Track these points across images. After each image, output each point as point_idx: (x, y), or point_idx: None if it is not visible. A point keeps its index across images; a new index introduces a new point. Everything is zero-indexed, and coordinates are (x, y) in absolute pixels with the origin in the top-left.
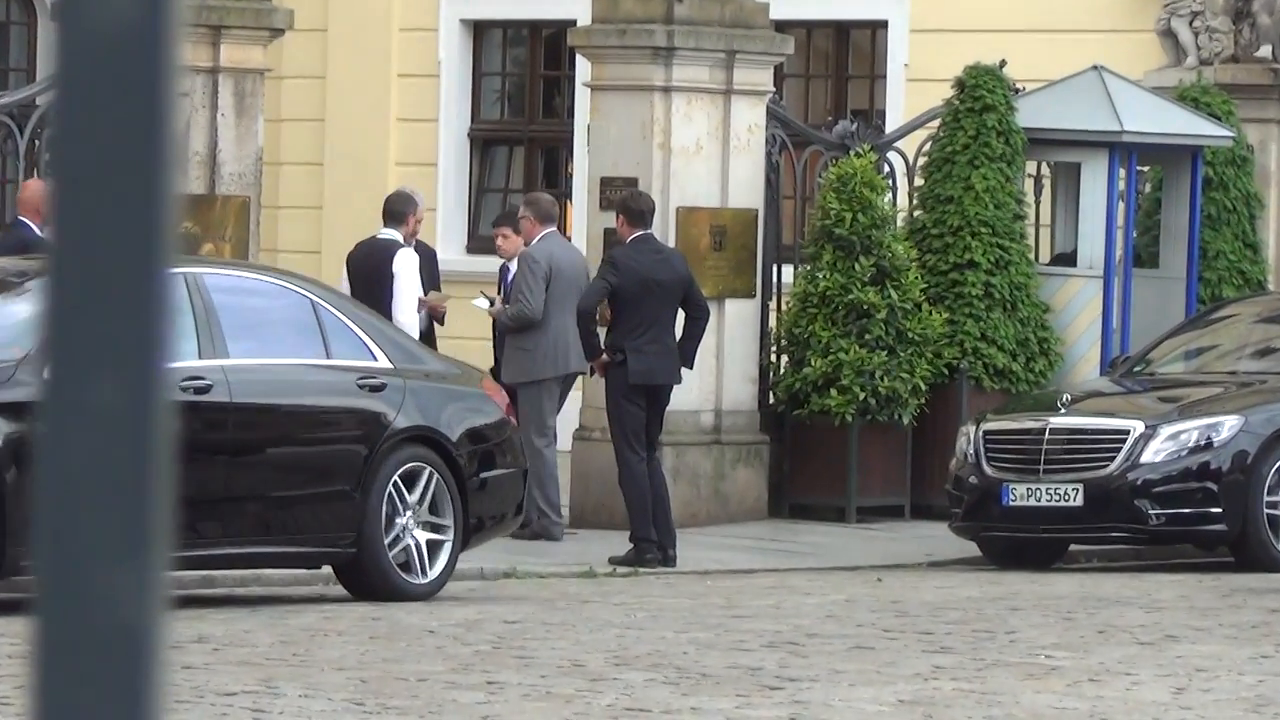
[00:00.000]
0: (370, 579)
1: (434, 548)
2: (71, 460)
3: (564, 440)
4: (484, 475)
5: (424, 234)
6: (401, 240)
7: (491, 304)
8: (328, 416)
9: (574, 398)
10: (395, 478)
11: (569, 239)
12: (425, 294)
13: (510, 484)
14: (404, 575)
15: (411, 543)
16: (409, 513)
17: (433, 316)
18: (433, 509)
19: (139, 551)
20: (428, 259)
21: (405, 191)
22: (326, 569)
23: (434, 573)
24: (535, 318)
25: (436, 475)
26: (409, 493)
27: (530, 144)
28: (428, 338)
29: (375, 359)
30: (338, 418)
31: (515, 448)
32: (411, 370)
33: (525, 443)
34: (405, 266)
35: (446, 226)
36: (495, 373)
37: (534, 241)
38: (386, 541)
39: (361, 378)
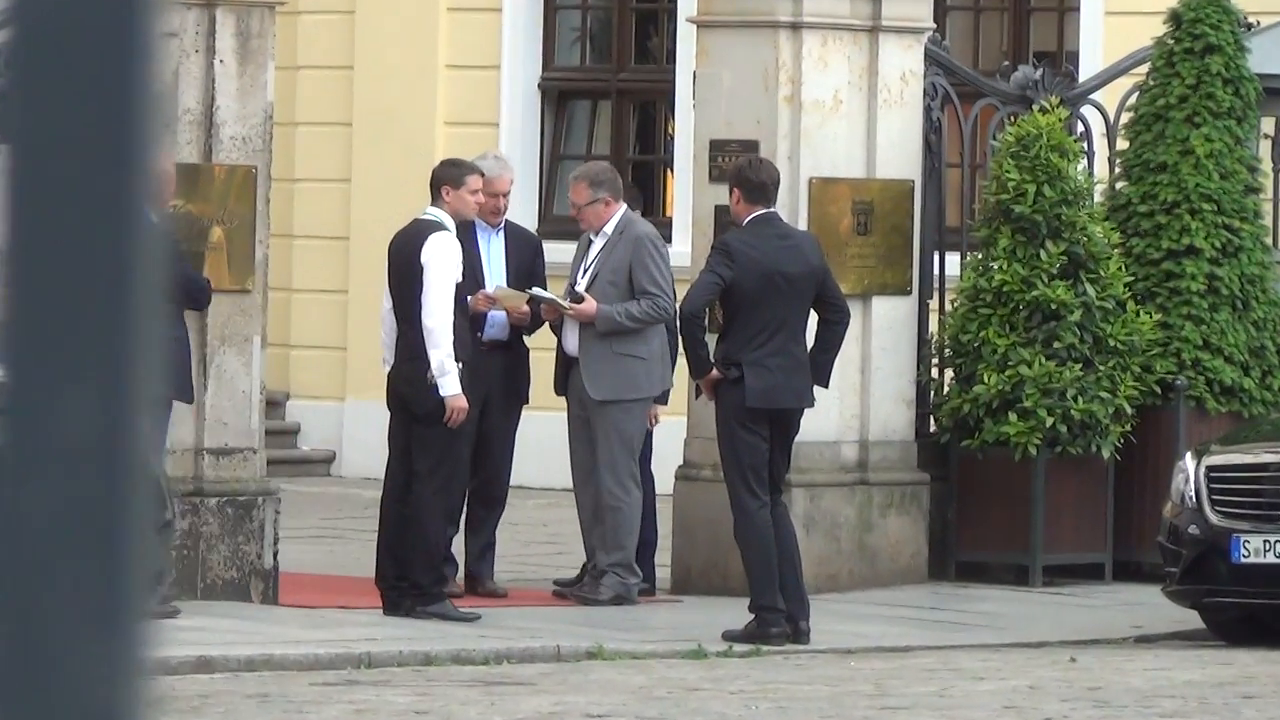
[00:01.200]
0: None
1: None
2: (32, 503)
3: (663, 481)
4: None
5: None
6: (444, 221)
7: (576, 299)
8: None
9: (677, 426)
10: None
11: (669, 220)
12: (494, 291)
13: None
14: None
15: None
16: None
17: (512, 322)
18: None
19: (115, 620)
20: (526, 247)
21: (459, 159)
22: None
23: None
24: (670, 317)
25: None
26: None
27: (619, 98)
28: (514, 351)
29: None
30: None
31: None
32: None
33: (611, 479)
34: (437, 255)
35: (511, 203)
36: (559, 388)
37: (611, 222)
38: None
39: None
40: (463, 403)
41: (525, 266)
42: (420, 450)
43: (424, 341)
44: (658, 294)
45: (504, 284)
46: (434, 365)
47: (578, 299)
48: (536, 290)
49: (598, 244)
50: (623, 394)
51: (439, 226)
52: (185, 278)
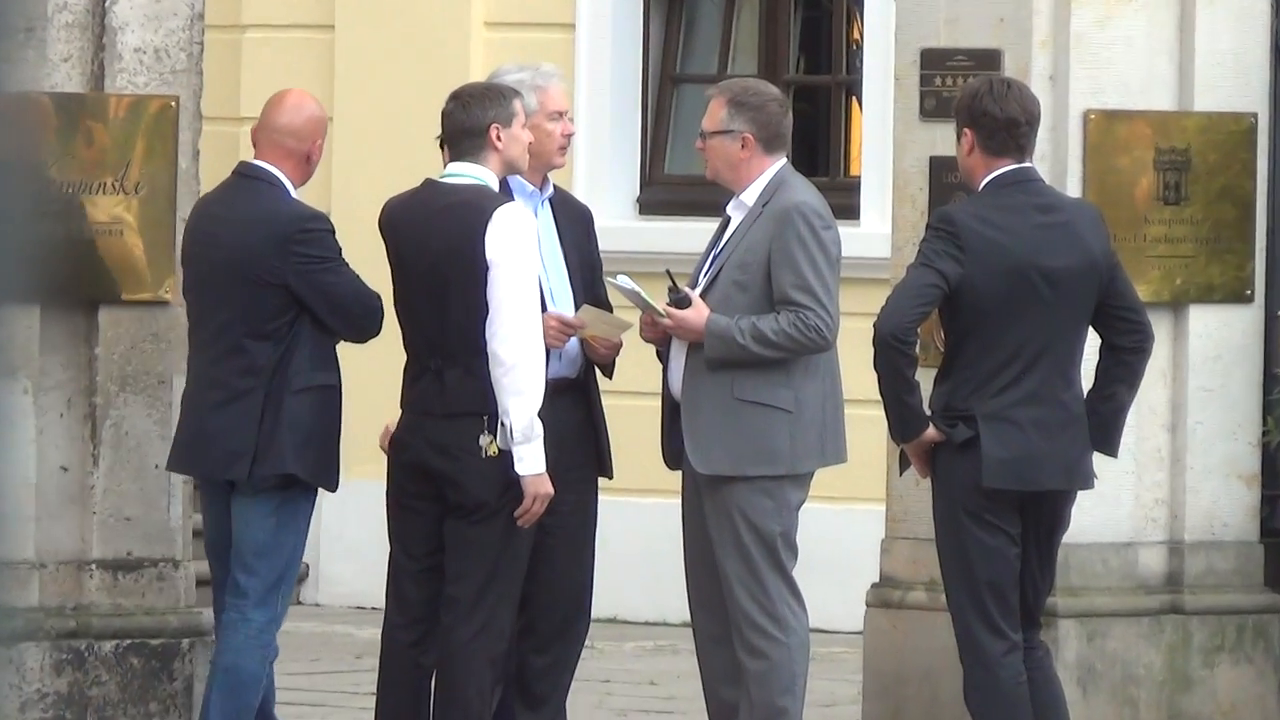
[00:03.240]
0: None
1: None
2: None
3: (848, 607)
4: None
5: (556, 174)
6: (493, 184)
7: (679, 302)
8: None
9: (869, 520)
10: None
11: (854, 180)
12: (578, 317)
13: None
14: None
15: None
16: None
17: (592, 358)
18: None
19: None
20: (578, 221)
21: (479, 86)
22: None
23: None
24: (828, 344)
25: None
26: None
27: None
28: (591, 398)
29: None
30: None
31: None
32: None
33: (750, 603)
34: (513, 245)
35: (595, 159)
36: (669, 457)
37: (756, 185)
38: None
39: None
40: (548, 487)
41: (584, 251)
42: (463, 563)
43: (481, 386)
44: (809, 304)
45: (563, 270)
46: (517, 425)
47: (681, 302)
48: (620, 280)
49: (735, 219)
50: (744, 466)
51: (495, 196)
52: (349, 292)
